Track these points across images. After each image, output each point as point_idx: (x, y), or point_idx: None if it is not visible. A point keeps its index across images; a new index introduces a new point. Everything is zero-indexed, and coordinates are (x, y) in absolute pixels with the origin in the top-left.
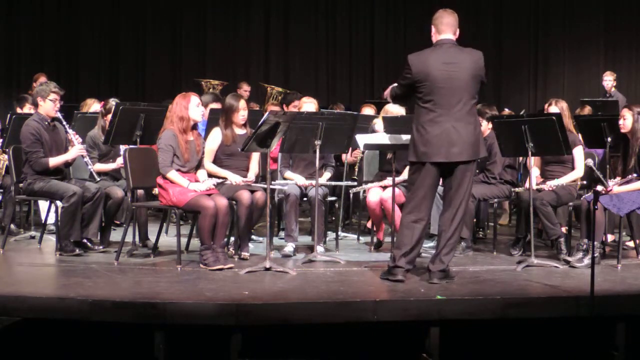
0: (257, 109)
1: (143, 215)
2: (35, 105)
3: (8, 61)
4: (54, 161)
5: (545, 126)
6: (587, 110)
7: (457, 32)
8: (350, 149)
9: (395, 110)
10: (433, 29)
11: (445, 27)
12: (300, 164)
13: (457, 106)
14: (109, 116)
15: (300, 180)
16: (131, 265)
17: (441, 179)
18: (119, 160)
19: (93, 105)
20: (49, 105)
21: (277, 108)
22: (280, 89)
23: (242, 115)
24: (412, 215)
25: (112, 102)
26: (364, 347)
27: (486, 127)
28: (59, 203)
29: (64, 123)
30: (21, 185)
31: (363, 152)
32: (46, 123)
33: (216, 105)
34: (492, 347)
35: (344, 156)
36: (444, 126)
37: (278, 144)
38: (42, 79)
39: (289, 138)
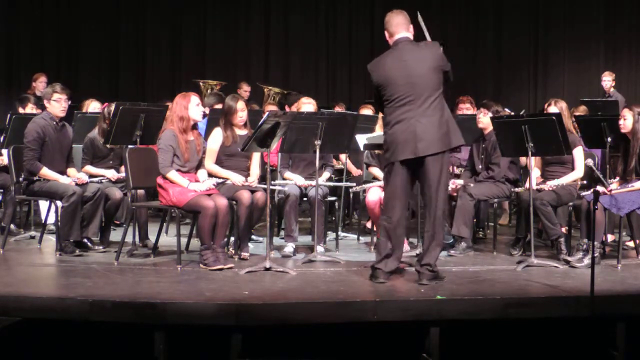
0: (258, 108)
1: (143, 215)
2: (42, 107)
3: (8, 61)
4: (45, 172)
5: (545, 126)
6: (581, 109)
7: (411, 28)
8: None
9: None
10: (387, 34)
11: (397, 27)
12: (299, 164)
13: (419, 100)
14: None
15: (300, 180)
16: (131, 265)
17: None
18: (114, 173)
19: (91, 105)
20: (54, 106)
21: (274, 108)
22: (277, 90)
23: (240, 116)
24: (384, 217)
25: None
26: (364, 347)
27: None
28: (59, 203)
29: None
30: (22, 177)
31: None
32: (54, 123)
33: (220, 106)
34: (492, 347)
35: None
36: (409, 122)
37: (278, 144)
38: (42, 78)
39: (289, 138)
